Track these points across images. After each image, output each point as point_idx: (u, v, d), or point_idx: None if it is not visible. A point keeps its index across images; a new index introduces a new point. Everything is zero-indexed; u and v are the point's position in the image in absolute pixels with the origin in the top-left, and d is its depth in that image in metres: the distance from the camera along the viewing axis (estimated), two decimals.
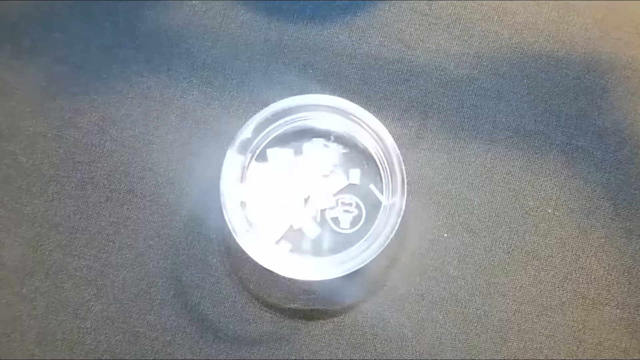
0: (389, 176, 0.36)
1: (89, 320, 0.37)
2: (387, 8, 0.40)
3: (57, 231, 0.38)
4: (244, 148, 0.36)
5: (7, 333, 0.37)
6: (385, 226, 0.34)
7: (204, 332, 0.36)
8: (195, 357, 0.36)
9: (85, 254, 0.37)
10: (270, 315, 0.37)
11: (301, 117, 0.37)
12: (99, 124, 0.39)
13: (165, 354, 0.36)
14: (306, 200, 0.37)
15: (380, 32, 0.40)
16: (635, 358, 0.36)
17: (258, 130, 0.36)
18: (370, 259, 0.34)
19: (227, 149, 0.35)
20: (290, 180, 0.37)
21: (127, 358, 0.36)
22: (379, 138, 0.36)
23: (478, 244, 0.37)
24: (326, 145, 0.38)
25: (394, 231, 0.34)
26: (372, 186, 0.37)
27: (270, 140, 0.37)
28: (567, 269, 0.37)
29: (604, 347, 0.36)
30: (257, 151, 0.37)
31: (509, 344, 0.36)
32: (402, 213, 0.34)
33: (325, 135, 0.38)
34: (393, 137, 0.35)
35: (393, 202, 0.35)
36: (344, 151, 0.38)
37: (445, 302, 0.37)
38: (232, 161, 0.35)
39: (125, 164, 0.39)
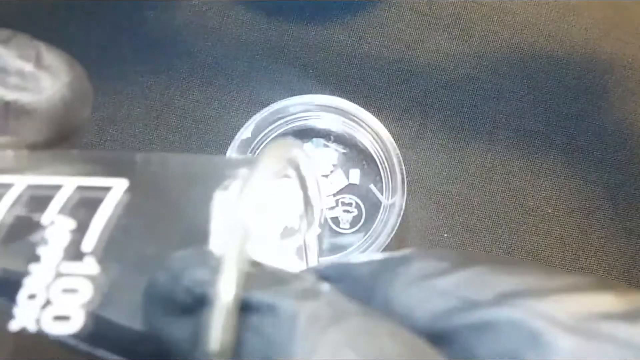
0: (389, 176, 0.36)
1: None
2: (387, 8, 0.40)
3: None
4: (244, 148, 0.36)
5: None
6: (385, 226, 0.34)
7: None
8: None
9: None
10: None
11: (301, 117, 0.37)
12: (99, 124, 0.39)
13: None
14: None
15: (380, 32, 0.40)
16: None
17: (258, 130, 0.36)
18: None
19: (227, 149, 0.35)
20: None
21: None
22: (379, 138, 0.36)
23: (478, 244, 0.37)
24: (326, 145, 0.38)
25: (394, 231, 0.34)
26: (372, 186, 0.37)
27: (270, 140, 0.37)
28: (567, 269, 0.37)
29: None
30: (257, 151, 0.37)
31: None
32: (402, 213, 0.34)
33: (325, 135, 0.38)
34: (393, 137, 0.35)
35: (393, 202, 0.35)
36: (344, 151, 0.38)
37: None
38: None
39: None
